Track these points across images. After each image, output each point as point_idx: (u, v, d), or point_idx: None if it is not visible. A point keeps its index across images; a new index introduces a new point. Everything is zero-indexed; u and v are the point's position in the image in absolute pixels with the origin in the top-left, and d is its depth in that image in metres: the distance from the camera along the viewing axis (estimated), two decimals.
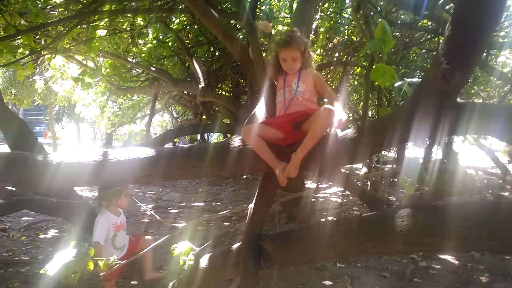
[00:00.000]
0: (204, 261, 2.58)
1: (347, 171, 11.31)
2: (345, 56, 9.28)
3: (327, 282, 3.93)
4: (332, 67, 9.32)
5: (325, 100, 2.43)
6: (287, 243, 2.09)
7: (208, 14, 2.53)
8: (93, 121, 17.63)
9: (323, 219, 5.80)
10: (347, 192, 7.93)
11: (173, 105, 14.37)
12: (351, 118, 12.19)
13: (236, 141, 2.27)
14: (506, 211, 1.35)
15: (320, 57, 10.04)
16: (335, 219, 2.03)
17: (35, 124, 41.87)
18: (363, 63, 7.47)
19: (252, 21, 2.28)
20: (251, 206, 2.31)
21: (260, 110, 2.47)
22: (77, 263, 2.24)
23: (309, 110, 2.16)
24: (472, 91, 9.65)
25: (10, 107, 23.42)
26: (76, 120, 24.10)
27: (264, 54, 2.46)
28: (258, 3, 8.01)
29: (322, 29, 9.12)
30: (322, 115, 1.94)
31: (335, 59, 8.92)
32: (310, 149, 1.94)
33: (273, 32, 2.78)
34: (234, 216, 6.26)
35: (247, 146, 2.17)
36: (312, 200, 7.22)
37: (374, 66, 2.10)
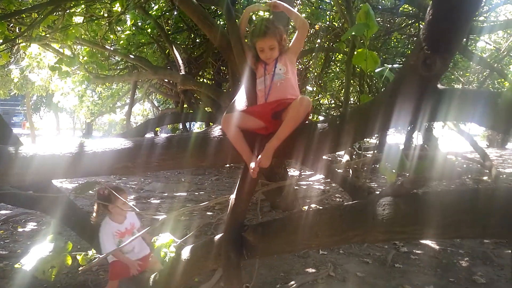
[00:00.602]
0: (185, 253, 2.55)
1: (329, 159, 11.39)
2: (327, 43, 9.25)
3: (310, 270, 3.96)
4: (314, 54, 9.27)
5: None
6: (269, 233, 2.07)
7: (186, 0, 2.46)
8: (72, 111, 17.29)
9: (305, 207, 5.84)
10: (329, 180, 8.00)
11: (153, 94, 14.18)
12: (333, 105, 12.21)
13: (216, 131, 2.23)
14: (486, 197, 1.34)
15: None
16: (317, 207, 2.02)
17: (12, 114, 41.01)
18: (345, 50, 7.46)
19: (232, 7, 2.22)
20: (233, 196, 2.29)
21: (240, 99, 2.42)
22: (54, 258, 2.19)
23: (290, 98, 2.13)
24: (452, 76, 9.75)
25: None
26: (54, 110, 23.61)
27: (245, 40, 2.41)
28: None
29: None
30: (297, 104, 1.92)
31: (317, 45, 8.89)
32: (284, 138, 1.93)
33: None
34: (217, 206, 6.24)
35: (226, 136, 2.13)
36: (295, 188, 7.25)
37: (357, 51, 2.08)
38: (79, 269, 2.33)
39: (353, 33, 2.14)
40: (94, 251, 2.37)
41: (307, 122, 2.12)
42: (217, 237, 2.39)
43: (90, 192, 3.10)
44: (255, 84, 2.34)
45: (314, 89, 11.34)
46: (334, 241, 1.76)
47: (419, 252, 4.40)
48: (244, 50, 2.36)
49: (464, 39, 5.33)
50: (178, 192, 7.76)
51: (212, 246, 2.40)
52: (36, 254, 2.19)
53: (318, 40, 9.07)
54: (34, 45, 8.72)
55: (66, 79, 10.16)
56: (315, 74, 11.01)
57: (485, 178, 7.31)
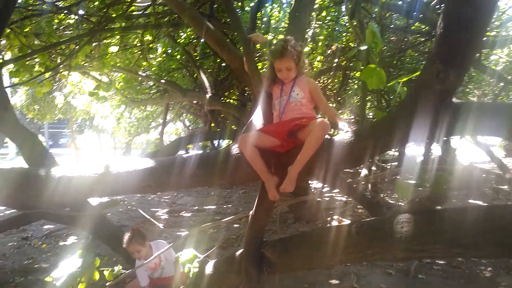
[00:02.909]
0: (209, 268, 2.45)
1: (349, 172, 11.11)
2: (344, 62, 9.11)
3: (334, 281, 3.78)
4: (332, 72, 9.15)
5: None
6: (288, 250, 1.94)
7: (203, 26, 2.41)
8: (111, 132, 17.64)
9: (328, 219, 5.64)
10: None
11: (184, 114, 14.29)
12: (352, 120, 11.99)
13: (234, 150, 2.14)
14: (506, 216, 1.19)
15: (320, 63, 9.90)
16: (340, 219, 1.88)
17: (60, 136, 42.28)
18: (361, 67, 7.31)
19: (245, 32, 2.15)
20: (252, 213, 2.18)
21: (256, 119, 2.33)
22: (83, 273, 2.12)
23: (305, 117, 2.02)
24: (468, 89, 9.42)
25: (35, 121, 23.61)
26: (97, 132, 24.13)
27: (259, 65, 2.33)
28: (259, 14, 7.93)
29: (321, 37, 8.99)
30: (317, 128, 1.80)
31: (335, 64, 8.76)
32: (305, 162, 1.82)
33: (269, 41, 2.64)
34: (244, 218, 6.12)
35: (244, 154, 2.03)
36: (318, 199, 7.06)
37: (365, 67, 1.97)
38: (107, 284, 2.27)
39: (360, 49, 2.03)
40: (121, 267, 2.29)
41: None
42: (239, 252, 2.28)
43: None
44: (271, 105, 2.24)
45: (334, 105, 11.17)
46: (353, 259, 1.62)
47: (441, 262, 4.14)
48: (258, 73, 2.26)
49: (477, 54, 5.11)
50: (207, 205, 7.68)
51: (234, 262, 2.29)
52: (65, 269, 2.13)
53: (336, 60, 8.95)
54: (75, 73, 8.94)
55: (104, 103, 10.39)
56: (334, 91, 10.86)
57: (505, 187, 6.93)
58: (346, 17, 7.77)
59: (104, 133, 23.90)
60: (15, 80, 6.49)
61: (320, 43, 8.87)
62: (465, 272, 3.83)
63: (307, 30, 7.75)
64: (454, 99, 1.48)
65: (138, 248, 3.00)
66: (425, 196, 1.35)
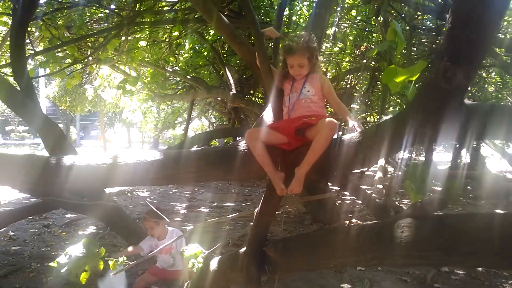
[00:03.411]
0: (213, 264, 2.44)
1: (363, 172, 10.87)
2: (372, 63, 8.92)
3: (346, 285, 3.71)
4: (359, 73, 8.98)
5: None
6: (289, 250, 1.90)
7: (218, 19, 2.39)
8: (139, 126, 17.98)
9: (346, 222, 5.54)
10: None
11: (210, 111, 14.40)
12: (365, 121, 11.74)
13: (242, 145, 2.12)
14: (506, 225, 1.12)
15: (348, 64, 9.75)
16: (358, 222, 1.83)
17: (91, 128, 43.52)
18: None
19: (259, 27, 2.12)
20: (257, 210, 2.15)
21: (267, 115, 2.30)
22: (87, 262, 2.15)
23: (314, 115, 1.97)
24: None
25: (68, 113, 24.35)
26: (126, 125, 24.67)
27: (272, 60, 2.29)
28: (288, 13, 7.87)
29: (351, 37, 8.85)
30: (325, 128, 1.75)
31: (363, 65, 8.60)
32: (313, 162, 1.77)
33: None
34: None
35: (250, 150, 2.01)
36: (338, 202, 6.95)
37: (386, 69, 1.90)
38: (111, 274, 2.29)
39: (380, 49, 1.96)
40: (125, 258, 2.31)
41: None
42: (242, 250, 2.26)
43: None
44: (281, 101, 2.20)
45: (360, 107, 10.97)
46: (352, 262, 1.57)
47: (460, 272, 3.99)
48: (270, 68, 2.23)
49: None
50: (226, 202, 7.71)
51: (237, 259, 2.26)
52: (70, 256, 2.16)
53: (364, 60, 8.78)
54: (105, 66, 9.14)
55: (131, 97, 10.57)
56: (362, 92, 10.67)
57: None
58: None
59: (132, 127, 24.41)
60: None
61: (348, 43, 8.74)
62: (484, 284, 3.69)
63: (331, 28, 7.67)
64: (465, 100, 1.41)
65: (152, 225, 3.20)
66: (427, 201, 1.28)
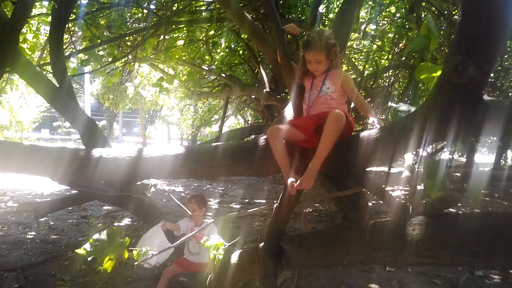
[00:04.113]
0: (234, 257, 2.48)
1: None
2: (412, 61, 8.66)
3: (374, 286, 3.64)
4: (397, 71, 8.74)
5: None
6: (305, 246, 1.90)
7: (240, 16, 2.42)
8: (177, 123, 18.38)
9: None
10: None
11: (245, 109, 14.50)
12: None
13: (262, 141, 2.14)
14: None
15: (387, 62, 9.52)
16: (356, 223, 1.82)
17: (133, 125, 44.89)
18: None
19: (280, 24, 2.12)
20: (276, 206, 2.16)
21: (288, 112, 2.31)
22: (112, 251, 2.23)
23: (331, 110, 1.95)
24: None
25: (111, 110, 25.22)
26: (165, 122, 25.29)
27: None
28: (324, 10, 7.80)
29: (390, 35, 8.64)
30: (329, 120, 1.73)
31: (402, 63, 8.37)
32: (324, 158, 1.74)
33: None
34: None
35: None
36: (372, 202, 6.81)
37: (418, 65, 1.85)
38: (135, 263, 2.37)
39: (413, 47, 1.92)
40: (149, 248, 2.38)
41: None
42: (261, 245, 2.28)
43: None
44: (302, 98, 2.20)
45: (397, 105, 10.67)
46: (365, 260, 1.55)
47: (496, 277, 3.82)
48: (291, 65, 2.22)
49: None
50: (258, 199, 7.75)
51: (256, 253, 2.28)
52: (95, 243, 2.23)
53: (403, 58, 8.54)
54: (145, 65, 9.43)
55: (169, 95, 10.85)
56: (401, 91, 10.38)
57: None
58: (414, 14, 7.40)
59: (172, 124, 24.98)
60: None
61: (385, 40, 8.54)
62: None
63: (369, 25, 7.51)
64: (484, 96, 1.35)
65: (193, 207, 3.25)
66: (436, 199, 1.25)
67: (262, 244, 2.23)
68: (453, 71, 1.17)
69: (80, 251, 2.11)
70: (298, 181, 1.77)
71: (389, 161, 1.83)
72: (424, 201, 1.35)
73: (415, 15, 3.93)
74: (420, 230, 1.32)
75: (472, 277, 3.83)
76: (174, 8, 6.38)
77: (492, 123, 1.34)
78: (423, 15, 4.96)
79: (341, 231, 1.68)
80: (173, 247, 2.55)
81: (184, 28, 7.39)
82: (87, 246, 2.16)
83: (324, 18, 7.92)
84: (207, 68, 9.24)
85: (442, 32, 7.08)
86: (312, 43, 2.01)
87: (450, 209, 1.26)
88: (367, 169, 1.95)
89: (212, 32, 7.97)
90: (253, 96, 9.76)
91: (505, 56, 8.45)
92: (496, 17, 1.07)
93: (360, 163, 1.86)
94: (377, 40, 9.08)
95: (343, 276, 3.81)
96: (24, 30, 5.79)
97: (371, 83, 8.61)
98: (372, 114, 2.00)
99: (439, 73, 1.67)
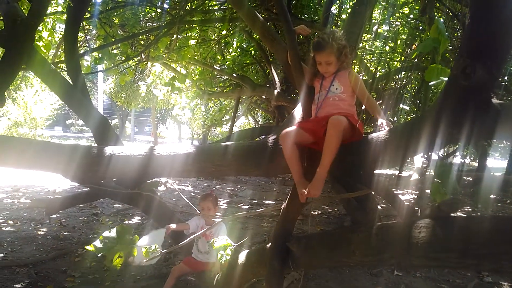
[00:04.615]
0: (242, 257, 2.49)
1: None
2: (424, 63, 8.59)
3: None
4: (410, 73, 8.68)
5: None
6: (311, 247, 1.91)
7: (251, 16, 2.44)
8: (189, 123, 18.48)
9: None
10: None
11: (256, 109, 14.52)
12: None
13: (270, 142, 2.15)
14: None
15: (399, 63, 9.45)
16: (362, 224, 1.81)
17: (145, 124, 45.25)
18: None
19: (290, 25, 2.13)
20: (283, 207, 2.17)
21: (298, 113, 2.31)
22: (121, 248, 2.26)
23: (342, 113, 1.95)
24: None
25: (124, 109, 25.47)
26: (177, 122, 25.45)
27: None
28: (337, 10, 7.77)
29: (403, 36, 8.58)
30: (328, 127, 1.74)
31: (414, 64, 8.30)
32: (329, 164, 1.74)
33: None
34: None
35: (279, 146, 2.03)
36: (382, 205, 6.77)
37: (429, 67, 1.85)
38: (143, 261, 2.39)
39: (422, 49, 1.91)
40: (157, 246, 2.41)
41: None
42: (269, 245, 2.29)
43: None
44: (311, 99, 2.20)
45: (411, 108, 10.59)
46: (371, 262, 1.55)
47: (506, 284, 3.77)
48: (301, 66, 2.22)
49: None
50: (267, 200, 7.76)
51: (264, 254, 2.30)
52: (105, 240, 2.25)
53: (416, 60, 8.47)
54: (157, 64, 9.51)
55: (180, 94, 10.93)
56: (413, 93, 10.30)
57: None
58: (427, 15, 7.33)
59: (183, 124, 25.11)
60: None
61: (398, 41, 8.49)
62: None
63: (382, 26, 7.47)
64: (493, 99, 1.35)
65: (209, 205, 3.26)
66: (444, 202, 1.25)
67: (269, 244, 2.25)
68: (461, 73, 1.16)
69: (90, 248, 2.15)
70: (307, 189, 1.77)
71: (400, 164, 1.82)
72: (430, 204, 1.35)
73: (428, 16, 3.90)
74: (425, 233, 1.32)
75: (481, 283, 3.79)
76: (187, 7, 6.45)
77: (503, 126, 1.33)
78: (436, 17, 4.94)
79: (348, 232, 1.68)
80: (175, 248, 2.55)
81: (197, 28, 7.45)
82: (97, 243, 2.19)
83: (336, 18, 7.91)
84: (218, 68, 9.28)
85: (456, 34, 7.01)
86: (322, 45, 2.02)
87: (459, 213, 1.26)
88: (376, 172, 1.95)
89: (224, 32, 8.02)
90: (264, 97, 9.78)
91: None
92: (505, 19, 1.06)
93: (369, 165, 1.86)
94: (390, 41, 9.02)
95: (351, 279, 3.80)
96: (39, 28, 5.89)
97: (383, 84, 8.56)
98: (381, 116, 1.99)
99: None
